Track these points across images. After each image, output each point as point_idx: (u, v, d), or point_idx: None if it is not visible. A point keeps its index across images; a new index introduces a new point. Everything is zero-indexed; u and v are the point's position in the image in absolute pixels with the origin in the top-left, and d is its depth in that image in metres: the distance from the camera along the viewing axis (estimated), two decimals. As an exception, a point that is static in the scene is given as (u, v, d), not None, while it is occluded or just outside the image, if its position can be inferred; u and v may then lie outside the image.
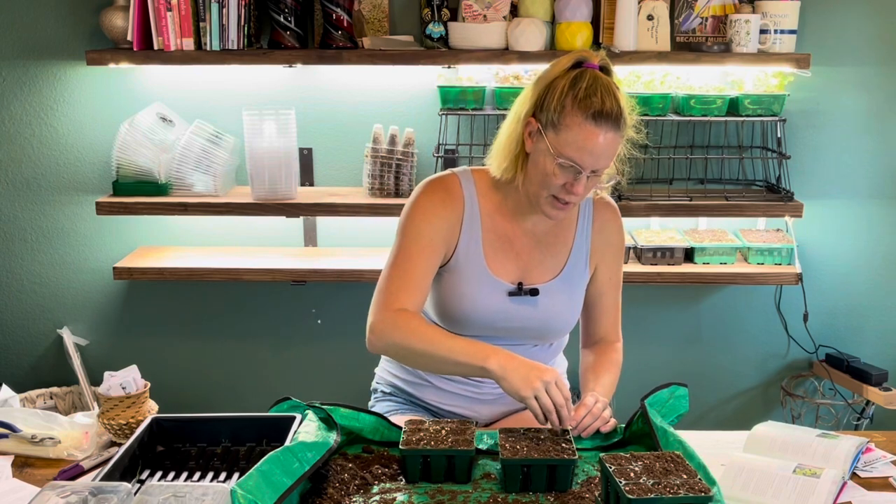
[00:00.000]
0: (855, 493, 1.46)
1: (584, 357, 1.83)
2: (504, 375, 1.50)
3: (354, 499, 1.37)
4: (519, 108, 1.63)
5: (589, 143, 1.53)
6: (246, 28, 2.51)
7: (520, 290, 1.70)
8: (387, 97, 2.74)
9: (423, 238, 1.66)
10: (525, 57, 2.50)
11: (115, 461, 1.37)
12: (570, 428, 1.53)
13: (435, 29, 2.58)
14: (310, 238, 2.85)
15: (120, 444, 1.54)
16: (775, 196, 2.66)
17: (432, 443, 1.43)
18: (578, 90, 1.53)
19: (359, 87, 2.74)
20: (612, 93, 1.54)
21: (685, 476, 1.30)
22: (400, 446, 1.42)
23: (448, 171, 1.75)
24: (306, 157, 2.79)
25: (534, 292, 1.70)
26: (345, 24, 2.54)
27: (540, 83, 1.59)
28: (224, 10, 2.47)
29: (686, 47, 2.66)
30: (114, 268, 2.67)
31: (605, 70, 1.59)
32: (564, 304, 1.75)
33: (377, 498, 1.37)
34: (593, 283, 1.80)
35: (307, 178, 2.81)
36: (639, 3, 2.54)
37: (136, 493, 1.23)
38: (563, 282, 1.74)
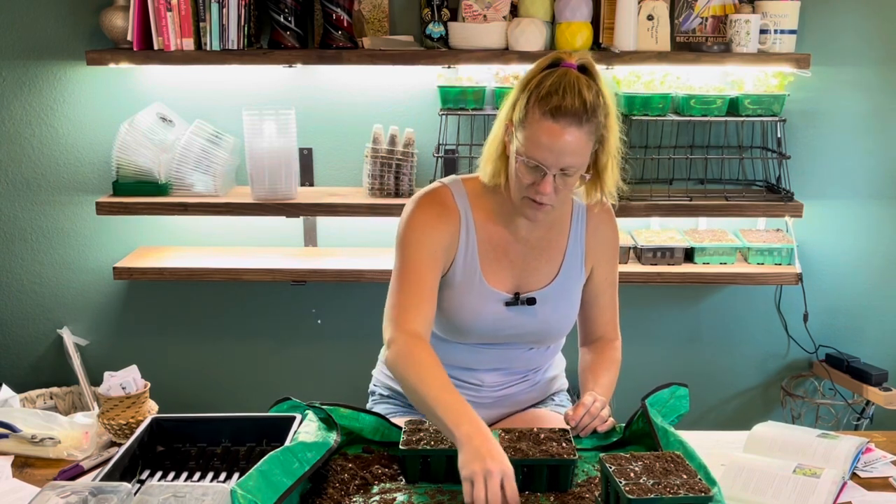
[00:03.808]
0: (855, 494, 1.46)
1: (583, 356, 1.83)
2: (462, 448, 1.36)
3: (354, 499, 1.37)
4: (501, 110, 1.62)
5: (548, 140, 1.50)
6: (246, 28, 2.51)
7: (516, 300, 1.69)
8: (387, 97, 2.74)
9: (424, 250, 1.63)
10: (525, 57, 2.50)
11: (115, 461, 1.37)
12: (569, 427, 1.53)
13: (435, 29, 2.58)
14: (310, 238, 2.85)
15: (120, 444, 1.54)
16: (775, 196, 2.66)
17: (432, 443, 1.43)
18: (542, 88, 1.51)
19: (359, 87, 2.74)
20: (577, 90, 1.50)
21: (685, 476, 1.30)
22: (400, 446, 1.43)
23: (438, 184, 1.72)
24: (306, 157, 2.79)
25: (531, 301, 1.69)
26: (345, 24, 2.54)
27: (518, 84, 1.58)
28: (224, 10, 2.47)
29: (686, 47, 2.66)
30: (114, 268, 2.67)
31: (585, 69, 1.56)
32: (561, 309, 1.74)
33: (377, 498, 1.37)
34: (590, 284, 1.79)
35: (307, 178, 2.81)
36: (639, 3, 2.54)
37: (136, 493, 1.23)
38: (558, 287, 1.73)
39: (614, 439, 1.58)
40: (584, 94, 1.50)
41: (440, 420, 1.42)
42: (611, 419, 1.61)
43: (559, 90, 1.49)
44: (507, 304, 1.69)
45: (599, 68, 1.60)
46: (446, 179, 1.73)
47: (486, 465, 1.30)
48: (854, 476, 1.51)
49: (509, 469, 1.32)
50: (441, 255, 1.65)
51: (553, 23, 2.58)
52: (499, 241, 1.70)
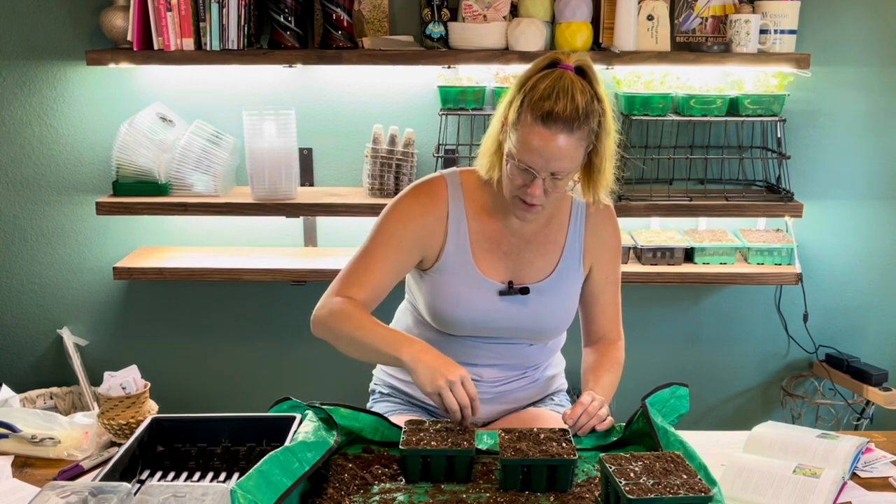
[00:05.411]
0: (855, 493, 1.46)
1: (586, 356, 1.83)
2: (414, 368, 1.51)
3: (354, 499, 1.37)
4: (499, 106, 1.63)
5: (538, 145, 1.51)
6: (246, 28, 2.51)
7: (510, 290, 1.70)
8: (387, 97, 2.74)
9: (392, 240, 1.67)
10: (525, 57, 2.50)
11: (115, 461, 1.37)
12: (568, 427, 1.53)
13: (435, 29, 2.58)
14: (310, 238, 2.85)
15: (120, 444, 1.54)
16: (775, 196, 2.66)
17: (432, 443, 1.43)
18: (536, 91, 1.51)
19: (359, 87, 2.74)
20: (570, 94, 1.49)
21: (685, 476, 1.30)
22: (400, 446, 1.43)
23: (437, 174, 1.75)
24: (306, 157, 2.79)
25: (524, 291, 1.70)
26: (345, 24, 2.54)
27: (515, 83, 1.58)
28: (224, 10, 2.47)
29: (686, 47, 2.66)
30: (114, 268, 2.67)
31: (582, 71, 1.55)
32: (556, 304, 1.74)
33: (377, 498, 1.37)
34: (589, 283, 1.79)
35: (307, 178, 2.81)
36: (639, 3, 2.54)
37: (136, 493, 1.23)
38: (554, 282, 1.73)
39: (614, 439, 1.58)
40: (578, 99, 1.50)
41: (381, 353, 1.57)
42: (609, 418, 1.60)
43: (552, 95, 1.49)
44: (501, 293, 1.69)
45: (598, 68, 1.59)
46: (446, 171, 1.76)
47: (447, 376, 1.48)
48: (854, 476, 1.51)
49: (464, 371, 1.51)
50: (411, 248, 1.68)
51: (553, 23, 2.58)
52: (492, 233, 1.71)
